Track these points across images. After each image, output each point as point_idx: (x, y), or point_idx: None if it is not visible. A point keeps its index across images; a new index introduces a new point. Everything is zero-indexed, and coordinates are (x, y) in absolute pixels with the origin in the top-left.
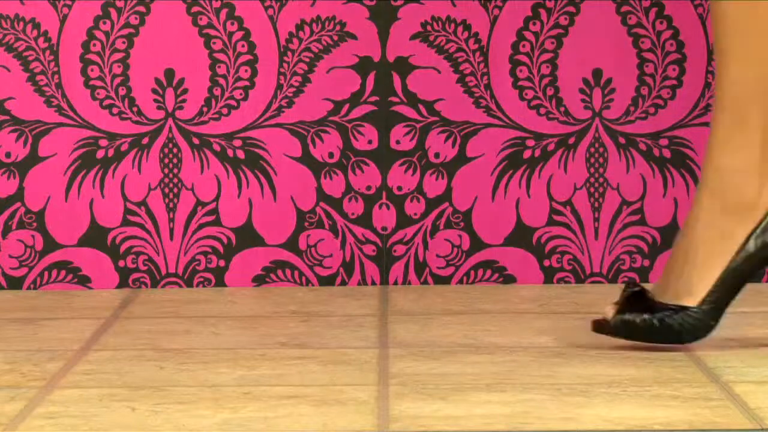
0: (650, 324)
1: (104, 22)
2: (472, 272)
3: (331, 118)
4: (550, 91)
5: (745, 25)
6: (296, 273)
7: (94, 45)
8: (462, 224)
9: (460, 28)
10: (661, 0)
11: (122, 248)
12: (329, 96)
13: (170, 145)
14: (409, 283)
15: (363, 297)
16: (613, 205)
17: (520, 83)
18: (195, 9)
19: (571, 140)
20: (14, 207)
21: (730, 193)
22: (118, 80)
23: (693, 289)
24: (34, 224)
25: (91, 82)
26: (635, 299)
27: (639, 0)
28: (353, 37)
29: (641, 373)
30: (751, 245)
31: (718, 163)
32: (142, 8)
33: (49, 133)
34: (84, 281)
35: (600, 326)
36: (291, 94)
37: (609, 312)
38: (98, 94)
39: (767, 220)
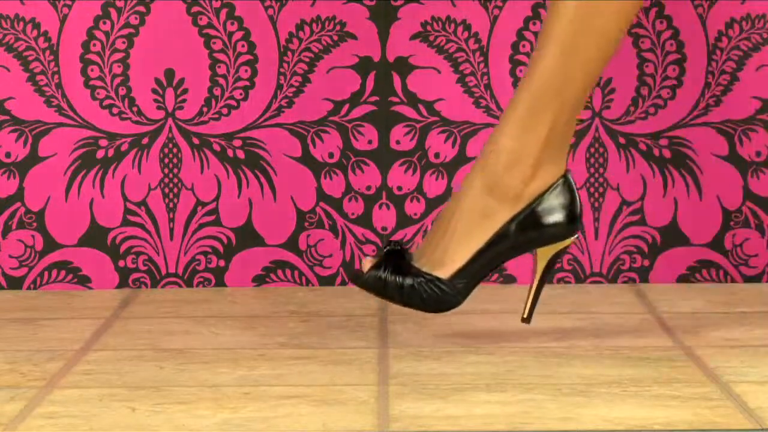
0: (400, 286)
1: (104, 22)
2: None
3: (331, 118)
4: None
5: (581, 23)
6: (296, 273)
7: (94, 45)
8: None
9: (460, 28)
10: (661, 0)
11: (122, 248)
12: (329, 96)
13: (170, 145)
14: None
15: (363, 297)
16: (613, 205)
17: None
18: (195, 9)
19: (571, 140)
20: (14, 207)
21: (501, 176)
22: (118, 80)
23: (447, 261)
24: (34, 224)
25: (91, 82)
26: (394, 258)
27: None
28: (353, 37)
29: (641, 373)
30: (511, 229)
31: (500, 143)
32: (142, 8)
33: (49, 133)
34: (84, 281)
35: (356, 277)
36: (291, 94)
37: (366, 265)
38: (98, 94)
39: (529, 210)
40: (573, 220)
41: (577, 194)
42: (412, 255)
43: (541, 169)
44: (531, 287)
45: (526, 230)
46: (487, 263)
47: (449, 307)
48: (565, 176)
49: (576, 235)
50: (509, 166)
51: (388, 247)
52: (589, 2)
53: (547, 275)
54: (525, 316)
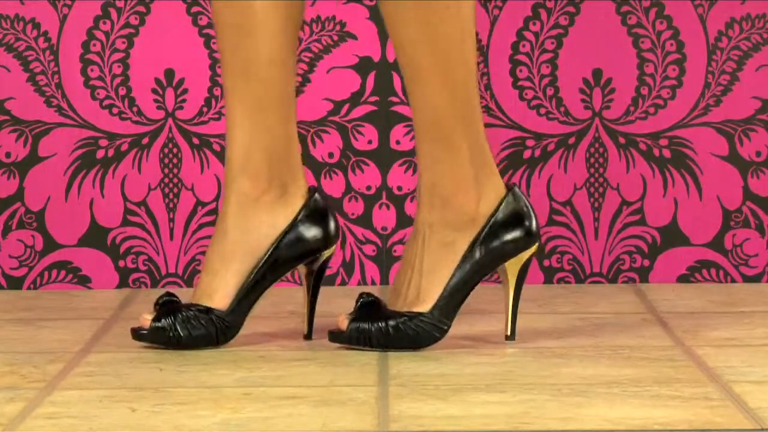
0: (385, 331)
1: (104, 22)
2: None
3: (331, 118)
4: (550, 91)
5: (433, 47)
6: (297, 273)
7: (94, 45)
8: None
9: None
10: (661, 0)
11: (122, 248)
12: (329, 96)
13: (170, 145)
14: None
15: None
16: (613, 205)
17: (520, 83)
18: (195, 9)
19: (571, 140)
20: (14, 207)
21: (449, 209)
22: (118, 80)
23: (423, 297)
24: (34, 224)
25: (91, 82)
26: (369, 309)
27: (639, 0)
28: (353, 37)
29: (641, 373)
30: (476, 252)
31: (435, 182)
32: (142, 8)
33: (49, 133)
34: (84, 281)
35: (335, 336)
36: None
37: (343, 323)
38: (98, 94)
39: (487, 228)
40: (529, 230)
41: (526, 204)
42: (387, 302)
43: (484, 187)
44: (507, 304)
45: (487, 250)
46: (461, 288)
47: (437, 338)
48: (511, 189)
49: (536, 243)
50: (453, 194)
51: (361, 300)
52: (429, 17)
53: (520, 288)
54: (508, 333)
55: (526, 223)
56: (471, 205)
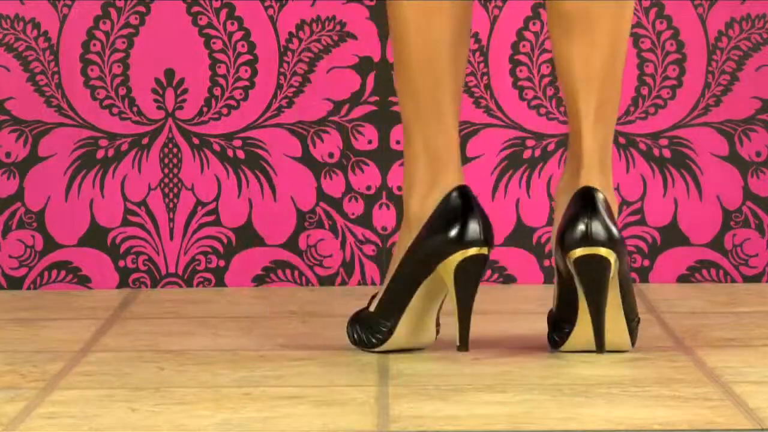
0: (350, 334)
1: (104, 22)
2: None
3: (331, 118)
4: (550, 91)
5: (402, 52)
6: (296, 273)
7: (94, 45)
8: None
9: None
10: (661, 0)
11: (122, 248)
12: (329, 96)
13: (170, 145)
14: None
15: (363, 297)
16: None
17: (520, 83)
18: (195, 9)
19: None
20: (14, 207)
21: (406, 206)
22: (118, 80)
23: (378, 296)
24: (34, 224)
25: (91, 82)
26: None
27: (639, 0)
28: (353, 37)
29: (641, 373)
30: (414, 253)
31: (403, 184)
32: (142, 8)
33: (49, 133)
34: (84, 281)
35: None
36: (291, 94)
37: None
38: (98, 94)
39: (424, 229)
40: (461, 233)
41: (473, 206)
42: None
43: (435, 186)
44: (455, 310)
45: (420, 248)
46: (400, 289)
47: (380, 339)
48: (457, 188)
49: (471, 249)
50: (407, 191)
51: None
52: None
53: (463, 295)
54: (458, 344)
55: (457, 226)
56: (420, 202)
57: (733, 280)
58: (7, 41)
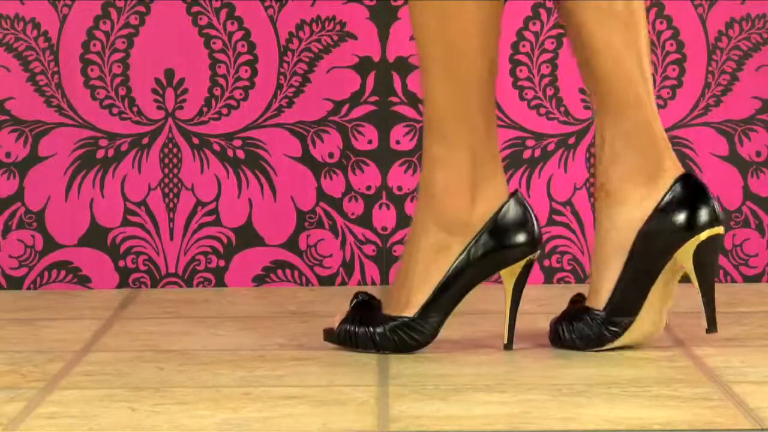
0: (371, 336)
1: (104, 22)
2: None
3: (331, 118)
4: (550, 91)
5: (436, 40)
6: (296, 273)
7: (94, 45)
8: None
9: None
10: (661, 0)
11: (122, 248)
12: (329, 96)
13: (170, 145)
14: None
15: None
16: None
17: (520, 83)
18: (195, 9)
19: (571, 140)
20: (14, 207)
21: (443, 210)
22: (118, 80)
23: (411, 302)
24: (34, 224)
25: (91, 82)
26: (362, 310)
27: None
28: (353, 37)
29: (641, 373)
30: (469, 258)
31: (429, 181)
32: (142, 8)
33: (49, 133)
34: (84, 281)
35: (328, 335)
36: (291, 94)
37: (336, 321)
38: (98, 94)
39: (484, 234)
40: (531, 237)
41: (528, 211)
42: (381, 303)
43: (483, 191)
44: (506, 311)
45: (486, 255)
46: (453, 295)
47: (426, 340)
48: (513, 194)
49: (535, 252)
50: (446, 196)
51: (355, 300)
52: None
53: (518, 297)
54: (506, 342)
55: (526, 231)
56: (464, 208)
57: (733, 280)
58: (7, 41)
